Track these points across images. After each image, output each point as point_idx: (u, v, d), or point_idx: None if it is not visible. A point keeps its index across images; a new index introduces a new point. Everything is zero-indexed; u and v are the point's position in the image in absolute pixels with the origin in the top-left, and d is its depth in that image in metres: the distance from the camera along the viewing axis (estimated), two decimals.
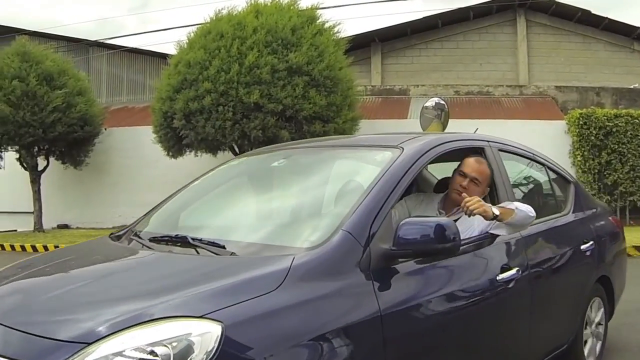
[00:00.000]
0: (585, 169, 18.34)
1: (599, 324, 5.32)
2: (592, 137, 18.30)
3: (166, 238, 3.80)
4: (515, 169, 5.01)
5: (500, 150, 4.62)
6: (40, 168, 21.00)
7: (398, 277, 3.22)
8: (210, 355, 2.45)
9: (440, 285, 3.45)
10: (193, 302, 2.70)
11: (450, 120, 15.61)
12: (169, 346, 2.46)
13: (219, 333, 2.50)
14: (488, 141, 4.55)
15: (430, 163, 4.11)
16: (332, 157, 4.59)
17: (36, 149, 20.53)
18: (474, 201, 3.76)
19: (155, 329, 2.52)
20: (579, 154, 18.45)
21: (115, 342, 2.48)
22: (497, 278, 3.75)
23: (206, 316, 2.55)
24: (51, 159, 21.29)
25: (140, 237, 4.03)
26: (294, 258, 2.98)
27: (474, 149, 4.40)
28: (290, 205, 4.21)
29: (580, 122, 18.47)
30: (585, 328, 5.07)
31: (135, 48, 27.66)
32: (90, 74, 25.72)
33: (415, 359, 3.24)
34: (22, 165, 20.84)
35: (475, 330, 3.64)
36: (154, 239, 3.84)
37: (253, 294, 2.72)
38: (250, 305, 2.67)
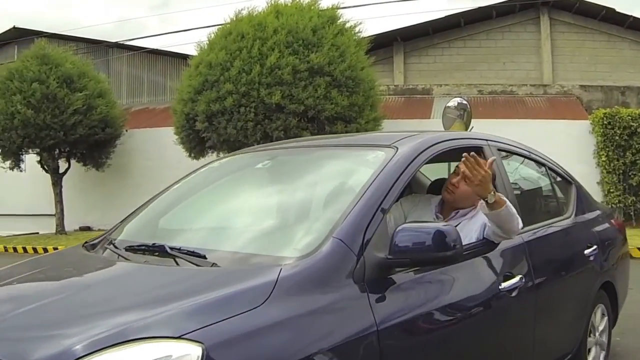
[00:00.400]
0: (610, 169, 18.06)
1: (602, 331, 5.13)
2: (617, 137, 18.00)
3: (143, 247, 3.58)
4: (515, 169, 4.86)
5: (500, 149, 4.46)
6: (61, 170, 21.26)
7: (395, 288, 3.01)
8: None
9: (441, 295, 3.28)
10: (171, 320, 2.48)
11: (473, 120, 15.57)
12: None
13: (199, 355, 2.30)
14: (487, 140, 4.38)
15: (426, 163, 3.83)
16: (321, 157, 4.32)
17: (57, 151, 20.74)
18: (481, 171, 3.41)
19: (129, 352, 2.32)
20: (603, 154, 18.18)
21: None
22: (500, 287, 3.59)
23: (185, 336, 2.35)
24: (72, 161, 21.59)
25: (115, 246, 3.81)
26: (281, 269, 2.77)
27: (473, 148, 4.05)
28: (276, 211, 4.00)
29: (605, 122, 18.21)
30: (589, 336, 4.89)
31: (156, 49, 28.01)
32: (111, 75, 26.60)
33: None
34: (43, 168, 21.16)
35: (477, 342, 3.46)
36: (130, 248, 3.63)
37: (237, 311, 2.52)
38: (234, 323, 2.47)
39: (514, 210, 3.60)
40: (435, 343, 3.12)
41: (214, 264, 3.08)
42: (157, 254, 3.38)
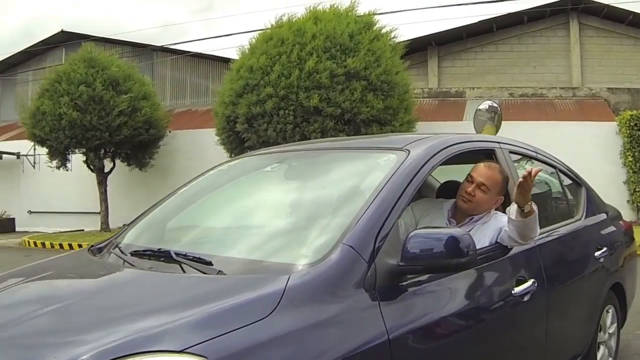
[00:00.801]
0: (636, 169, 18.15)
1: (612, 331, 5.08)
2: None
3: (148, 252, 3.49)
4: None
5: (511, 152, 4.35)
6: (106, 170, 21.44)
7: (406, 296, 2.88)
8: None
9: (453, 302, 3.15)
10: (173, 332, 2.35)
11: (504, 122, 15.75)
12: None
13: None
14: (499, 142, 4.29)
15: (439, 165, 3.67)
16: (331, 160, 4.15)
17: (102, 151, 20.89)
18: (530, 183, 3.31)
19: None
20: (629, 155, 18.28)
21: None
22: (513, 291, 3.47)
23: (187, 350, 2.22)
24: (117, 161, 21.71)
25: (121, 251, 3.69)
26: (289, 278, 2.63)
27: (485, 150, 4.13)
28: (285, 216, 3.79)
29: (631, 124, 18.38)
30: (599, 337, 4.82)
31: (199, 53, 28.11)
32: (155, 78, 26.71)
33: None
34: (89, 168, 21.34)
35: (490, 347, 3.36)
36: (136, 253, 3.51)
37: (242, 322, 2.37)
38: (240, 336, 2.32)
39: (537, 218, 3.51)
40: (447, 350, 2.99)
41: (219, 271, 2.96)
42: (162, 259, 3.30)
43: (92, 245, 4.05)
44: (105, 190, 21.54)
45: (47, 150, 21.32)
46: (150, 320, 2.41)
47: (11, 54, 31.56)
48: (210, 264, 2.98)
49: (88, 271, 3.57)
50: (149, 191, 22.52)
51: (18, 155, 26.63)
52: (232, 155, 17.97)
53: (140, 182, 23.17)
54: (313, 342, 2.44)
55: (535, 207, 3.40)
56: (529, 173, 3.27)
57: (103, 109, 19.45)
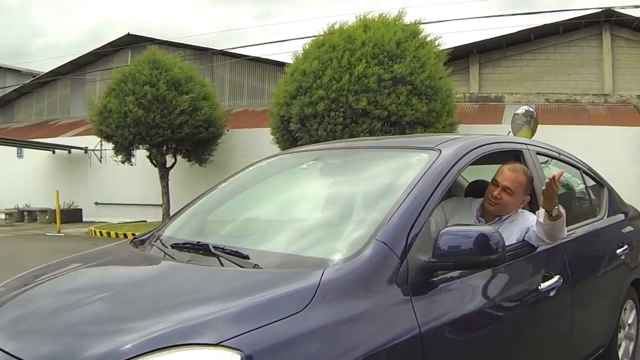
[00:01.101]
0: None
1: (631, 325, 5.10)
2: None
3: (188, 245, 3.46)
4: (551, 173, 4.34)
5: (538, 153, 4.32)
6: (168, 165, 21.82)
7: (437, 291, 2.85)
8: None
9: (483, 297, 3.15)
10: (210, 325, 2.33)
11: (540, 126, 15.67)
12: None
13: None
14: (526, 144, 4.27)
15: (469, 165, 3.64)
16: (365, 159, 4.12)
17: (165, 147, 21.26)
18: (554, 187, 3.31)
19: (169, 359, 2.20)
20: None
21: None
22: (540, 287, 3.47)
23: (223, 343, 2.20)
24: (178, 157, 22.09)
25: (162, 243, 3.68)
26: (323, 272, 2.60)
27: (513, 152, 4.12)
28: (320, 212, 3.77)
29: None
30: (619, 331, 4.83)
31: (256, 57, 28.31)
32: (214, 80, 26.83)
33: None
34: (152, 163, 21.80)
35: (517, 341, 3.35)
36: (176, 246, 3.50)
37: (277, 316, 2.34)
38: (274, 330, 2.30)
39: (564, 221, 3.51)
40: (477, 343, 2.98)
41: (256, 265, 2.92)
42: (201, 252, 3.25)
43: (135, 237, 4.05)
44: (167, 184, 21.83)
45: (113, 145, 21.64)
46: (187, 313, 2.40)
47: (80, 55, 31.87)
48: (247, 257, 2.98)
49: (127, 263, 3.61)
50: (207, 185, 21.73)
51: (86, 150, 27.01)
52: None
53: (200, 177, 23.05)
54: (346, 335, 2.41)
55: (562, 210, 3.42)
56: (552, 179, 3.28)
57: (166, 107, 19.83)
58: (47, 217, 25.99)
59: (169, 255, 3.40)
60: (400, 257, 2.74)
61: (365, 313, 2.52)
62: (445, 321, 2.77)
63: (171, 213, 20.01)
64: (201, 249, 3.27)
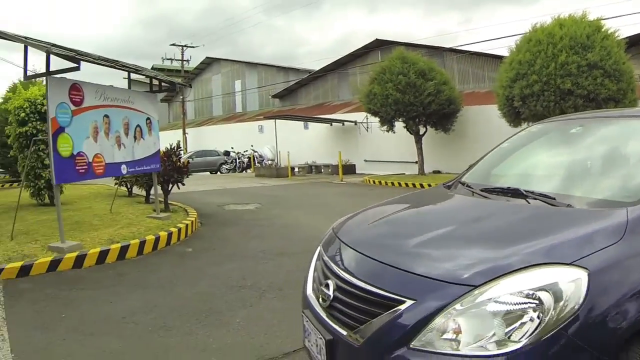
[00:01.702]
0: None
1: None
2: None
3: (497, 189, 3.54)
4: None
5: None
6: (421, 133, 25.41)
7: None
8: (580, 300, 2.30)
9: None
10: (556, 249, 2.47)
11: None
12: (550, 291, 2.32)
13: (587, 279, 2.32)
14: None
15: None
16: (630, 125, 3.96)
17: (417, 120, 24.87)
18: None
19: (531, 275, 2.37)
20: None
21: (498, 287, 2.37)
22: None
23: (575, 263, 2.35)
24: (428, 127, 25.62)
25: (470, 187, 3.83)
26: (627, 211, 2.68)
27: None
28: (602, 165, 3.75)
29: None
30: None
31: (476, 51, 31.72)
32: (446, 69, 30.02)
33: None
34: (409, 131, 25.69)
35: None
36: (486, 189, 3.61)
37: (603, 244, 2.47)
38: (604, 254, 2.42)
39: None
40: None
41: (568, 205, 3.01)
42: (509, 194, 3.37)
43: (444, 183, 4.34)
44: (421, 147, 25.32)
45: (378, 119, 25.60)
46: (538, 241, 2.58)
47: (341, 56, 38.87)
48: (554, 199, 3.12)
49: (458, 202, 3.75)
50: (450, 148, 26.70)
51: (355, 122, 31.82)
52: (511, 124, 20.18)
53: (444, 142, 27.00)
54: None
55: None
56: None
57: (417, 91, 23.43)
58: (329, 170, 31.03)
59: (482, 196, 3.54)
60: None
61: None
62: None
63: (424, 168, 25.50)
64: (510, 192, 3.40)
